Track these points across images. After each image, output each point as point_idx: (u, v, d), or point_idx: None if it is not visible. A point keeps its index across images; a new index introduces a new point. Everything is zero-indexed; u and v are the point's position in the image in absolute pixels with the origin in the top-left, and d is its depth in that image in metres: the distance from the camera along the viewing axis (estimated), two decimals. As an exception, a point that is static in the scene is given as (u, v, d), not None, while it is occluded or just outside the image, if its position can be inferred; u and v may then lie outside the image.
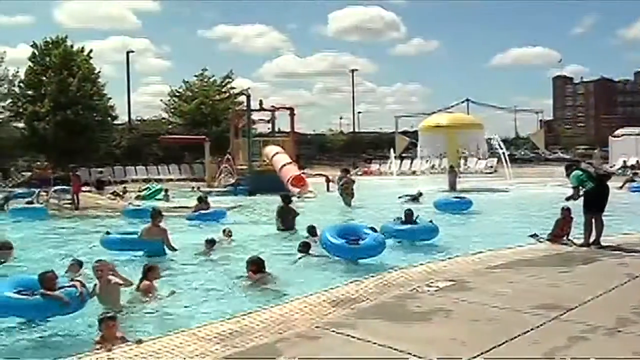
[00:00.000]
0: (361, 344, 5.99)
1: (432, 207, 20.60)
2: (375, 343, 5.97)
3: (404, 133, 54.25)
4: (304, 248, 12.56)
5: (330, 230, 12.62)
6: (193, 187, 34.07)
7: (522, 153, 76.62)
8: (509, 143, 72.75)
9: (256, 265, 10.59)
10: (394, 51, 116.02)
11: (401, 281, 8.82)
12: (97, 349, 6.41)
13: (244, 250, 13.60)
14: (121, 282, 9.27)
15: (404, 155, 52.74)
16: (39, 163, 30.14)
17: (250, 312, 7.26)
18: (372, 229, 12.79)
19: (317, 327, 6.59)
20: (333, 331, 6.41)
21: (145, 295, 9.44)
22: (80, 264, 10.82)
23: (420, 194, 24.37)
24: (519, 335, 6.10)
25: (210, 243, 13.86)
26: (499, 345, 5.84)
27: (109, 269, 9.27)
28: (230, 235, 15.08)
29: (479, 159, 50.41)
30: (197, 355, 5.81)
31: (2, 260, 12.14)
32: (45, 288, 8.35)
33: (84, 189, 28.21)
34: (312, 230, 14.30)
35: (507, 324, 6.56)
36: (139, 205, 23.11)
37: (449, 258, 10.83)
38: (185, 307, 9.22)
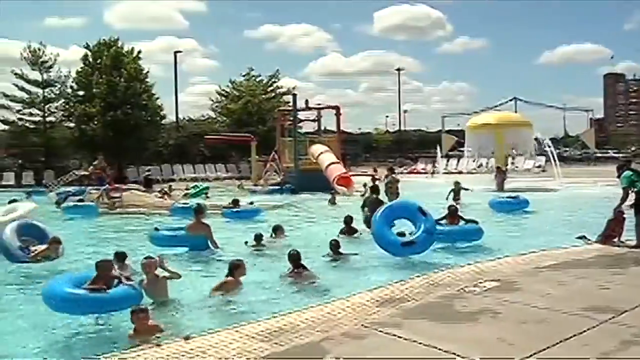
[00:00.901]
0: (406, 344, 5.95)
1: (477, 206, 20.32)
2: (420, 343, 5.92)
3: (451, 132, 53.75)
4: (335, 247, 12.25)
5: (384, 218, 12.50)
6: (239, 185, 34.28)
7: (572, 152, 75.22)
8: (558, 142, 71.52)
9: (293, 261, 10.73)
10: (440, 50, 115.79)
11: (447, 281, 8.74)
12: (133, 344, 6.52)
13: (291, 247, 13.60)
14: (168, 275, 9.38)
15: (450, 154, 52.25)
16: (96, 162, 30.62)
17: (295, 310, 7.27)
18: (421, 210, 12.58)
19: (362, 326, 6.57)
20: (379, 330, 6.38)
21: (229, 291, 9.54)
22: (123, 257, 10.92)
23: (458, 183, 23.91)
24: (569, 338, 5.98)
25: (259, 239, 14.01)
26: (549, 347, 5.73)
27: (156, 265, 9.39)
28: (283, 232, 15.08)
29: (527, 158, 49.59)
30: (242, 353, 5.84)
31: (53, 256, 12.39)
32: (100, 275, 8.72)
33: (132, 186, 28.73)
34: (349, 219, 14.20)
35: (556, 325, 6.43)
36: (186, 203, 23.34)
37: (497, 258, 10.67)
38: (229, 301, 9.28)
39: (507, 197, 21.79)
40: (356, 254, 12.29)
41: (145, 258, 9.69)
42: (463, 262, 10.36)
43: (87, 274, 9.18)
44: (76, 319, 8.40)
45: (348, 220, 15.63)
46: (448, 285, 8.50)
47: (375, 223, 12.54)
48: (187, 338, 6.26)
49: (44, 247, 12.47)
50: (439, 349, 5.73)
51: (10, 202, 26.66)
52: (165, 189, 30.31)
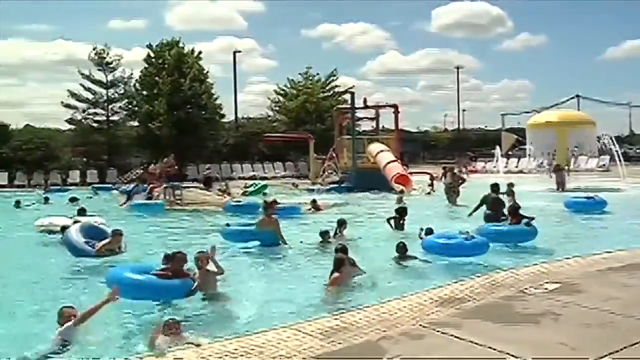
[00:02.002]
0: (465, 345, 5.89)
1: (542, 207, 19.89)
2: (479, 344, 5.85)
3: (511, 130, 52.93)
4: (402, 250, 11.99)
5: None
6: (293, 184, 34.36)
7: (638, 151, 72.99)
8: (623, 141, 69.46)
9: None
10: (500, 47, 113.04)
11: (509, 282, 8.60)
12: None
13: (354, 244, 13.61)
14: (217, 270, 9.64)
15: (510, 153, 51.41)
16: (165, 160, 31.19)
17: (354, 309, 7.27)
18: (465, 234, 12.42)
19: (420, 326, 6.53)
20: (437, 331, 6.33)
21: (341, 285, 9.66)
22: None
23: (512, 185, 23.38)
24: (635, 344, 5.81)
25: (325, 234, 14.12)
26: (613, 352, 5.59)
27: (208, 259, 9.67)
28: (345, 227, 15.04)
29: (590, 157, 48.42)
30: (301, 351, 5.86)
31: (117, 251, 12.70)
32: (173, 267, 9.22)
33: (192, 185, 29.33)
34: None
35: (621, 330, 6.27)
36: (239, 201, 23.56)
37: (560, 259, 10.45)
38: (289, 298, 9.35)
39: (585, 197, 20.96)
40: (428, 262, 11.90)
41: (199, 252, 9.95)
42: (525, 263, 10.19)
43: (149, 264, 9.77)
44: (129, 315, 8.59)
45: (401, 211, 16.09)
46: (509, 286, 8.36)
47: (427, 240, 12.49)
48: (198, 345, 6.26)
49: (107, 240, 12.86)
50: (499, 351, 5.65)
51: (70, 199, 27.62)
52: (224, 187, 30.68)
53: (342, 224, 15.04)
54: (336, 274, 9.78)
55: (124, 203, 25.08)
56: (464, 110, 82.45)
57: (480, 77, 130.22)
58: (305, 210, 21.47)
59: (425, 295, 7.85)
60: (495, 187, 16.93)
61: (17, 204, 26.53)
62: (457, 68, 73.94)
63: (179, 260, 9.48)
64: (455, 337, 6.11)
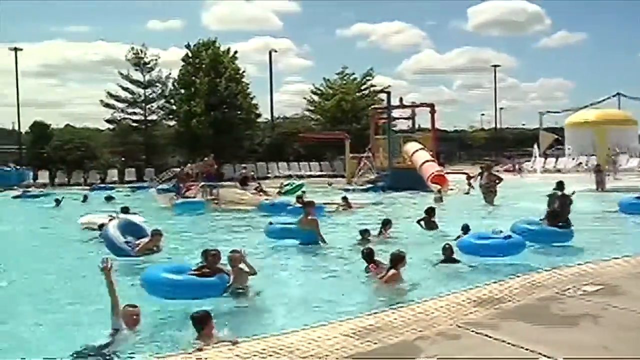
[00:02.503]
0: (502, 346, 5.83)
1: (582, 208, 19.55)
2: (516, 346, 5.79)
3: (549, 129, 52.22)
4: (448, 251, 11.65)
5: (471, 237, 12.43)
6: (328, 183, 34.35)
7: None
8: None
9: (367, 257, 10.89)
10: (537, 45, 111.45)
11: (548, 283, 8.48)
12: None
13: (395, 243, 13.58)
14: (248, 270, 9.82)
15: (548, 152, 50.72)
16: (206, 159, 31.49)
17: (391, 308, 7.24)
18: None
19: (458, 326, 6.48)
20: (474, 331, 6.28)
21: (396, 282, 9.70)
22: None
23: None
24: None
25: (365, 233, 14.15)
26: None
27: (240, 259, 9.83)
28: (390, 227, 14.99)
29: (631, 157, 47.54)
30: (334, 350, 5.86)
31: (155, 250, 12.84)
32: (209, 265, 9.45)
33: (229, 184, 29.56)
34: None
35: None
36: (272, 201, 23.61)
37: (601, 261, 10.26)
38: (326, 296, 9.38)
39: (636, 198, 20.28)
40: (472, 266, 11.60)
41: (232, 252, 10.07)
42: (565, 264, 10.03)
43: (180, 264, 10.01)
44: (164, 311, 8.68)
45: (429, 211, 16.19)
46: (548, 287, 8.25)
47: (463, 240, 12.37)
48: (234, 343, 6.29)
49: (147, 239, 13.00)
50: (537, 353, 5.59)
51: (106, 198, 28.06)
52: (260, 186, 30.80)
53: (386, 223, 15.02)
54: (393, 271, 9.79)
55: (173, 200, 25.13)
56: (501, 109, 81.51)
57: (517, 76, 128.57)
58: (337, 209, 21.45)
59: (462, 296, 7.80)
60: (560, 185, 16.64)
61: (58, 202, 27.06)
62: (494, 67, 73.01)
63: (214, 258, 9.64)
64: (492, 338, 6.05)
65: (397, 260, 9.89)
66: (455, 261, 11.48)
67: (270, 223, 15.40)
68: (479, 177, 24.27)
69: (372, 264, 10.75)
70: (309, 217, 14.46)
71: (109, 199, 27.88)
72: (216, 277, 9.34)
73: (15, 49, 50.40)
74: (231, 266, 9.78)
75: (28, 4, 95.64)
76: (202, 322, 7.11)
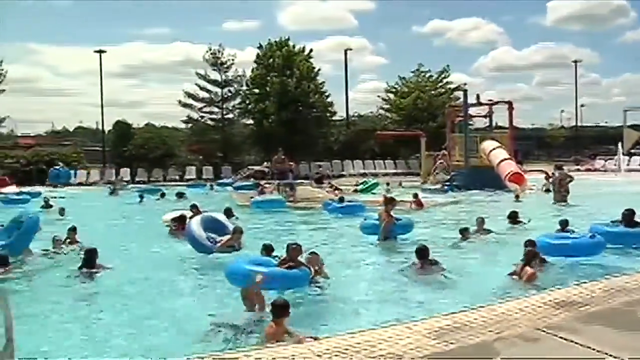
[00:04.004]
0: (582, 351, 5.71)
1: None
2: (598, 351, 5.65)
3: (634, 127, 50.44)
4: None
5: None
6: (399, 183, 34.06)
7: None
8: None
9: (420, 254, 11.05)
10: (621, 39, 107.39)
11: (631, 286, 8.22)
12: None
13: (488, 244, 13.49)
14: (322, 274, 10.18)
15: (633, 151, 49.00)
16: (277, 157, 31.94)
17: (469, 309, 7.18)
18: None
19: (537, 329, 6.37)
20: (553, 334, 6.16)
21: (531, 281, 9.69)
22: (271, 249, 11.51)
23: None
24: None
25: (465, 231, 14.32)
26: None
27: (317, 261, 10.20)
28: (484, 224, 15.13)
29: None
30: (411, 350, 5.85)
31: (236, 247, 13.09)
32: (292, 259, 9.76)
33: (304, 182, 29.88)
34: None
35: None
36: (333, 200, 23.66)
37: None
38: (406, 295, 9.40)
39: None
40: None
41: (310, 253, 10.40)
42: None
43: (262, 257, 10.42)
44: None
45: (513, 215, 16.50)
46: (631, 290, 8.00)
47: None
48: (315, 338, 6.33)
49: (228, 237, 13.26)
50: (614, 357, 5.44)
51: (177, 194, 28.75)
52: (334, 184, 30.94)
53: (481, 222, 15.13)
54: (531, 270, 9.76)
55: (250, 198, 25.47)
56: (581, 106, 79.07)
57: (599, 71, 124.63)
58: (410, 207, 21.35)
59: (544, 298, 7.64)
60: None
61: (141, 198, 27.98)
62: (575, 62, 70.96)
63: (295, 252, 9.92)
64: (572, 341, 5.93)
65: (531, 257, 9.83)
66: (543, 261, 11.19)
67: (365, 219, 15.58)
68: (550, 177, 23.84)
69: (422, 261, 10.91)
70: (388, 214, 14.67)
71: (180, 195, 28.60)
72: (299, 270, 9.61)
73: (100, 51, 52.12)
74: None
75: (110, 9, 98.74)
76: (282, 310, 7.28)
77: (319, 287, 9.91)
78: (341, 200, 22.41)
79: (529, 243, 11.05)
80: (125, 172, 46.06)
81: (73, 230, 14.93)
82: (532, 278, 9.65)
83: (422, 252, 11.12)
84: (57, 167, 41.63)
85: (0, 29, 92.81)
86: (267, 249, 11.36)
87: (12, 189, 33.81)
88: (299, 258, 10.05)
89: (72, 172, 42.99)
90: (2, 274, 11.27)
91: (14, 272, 11.66)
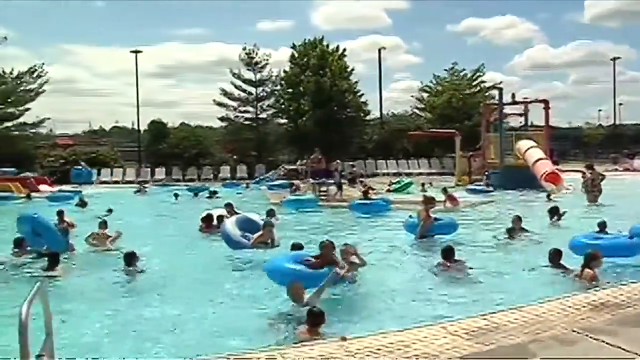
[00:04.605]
0: (619, 353, 5.61)
1: None
2: (635, 353, 5.55)
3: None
4: (555, 257, 11.07)
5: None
6: (430, 183, 33.91)
7: None
8: None
9: (446, 254, 11.21)
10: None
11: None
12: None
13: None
14: (359, 262, 10.32)
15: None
16: (313, 156, 32.05)
17: (504, 310, 7.12)
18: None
19: (573, 330, 6.29)
20: (590, 337, 6.07)
21: (593, 281, 9.62)
22: (300, 247, 11.73)
23: None
24: None
25: (512, 231, 14.30)
26: None
27: (352, 252, 10.33)
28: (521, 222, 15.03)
29: None
30: (446, 350, 5.82)
31: (270, 245, 13.29)
32: (323, 256, 9.96)
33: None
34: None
35: None
36: (363, 200, 23.63)
37: None
38: (443, 293, 9.39)
39: None
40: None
41: (344, 245, 10.63)
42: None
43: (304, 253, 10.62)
44: (283, 304, 8.90)
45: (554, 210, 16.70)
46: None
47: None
48: (344, 339, 6.31)
49: (260, 232, 13.50)
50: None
51: (210, 193, 28.99)
52: (368, 184, 30.86)
53: (518, 220, 15.08)
54: (591, 272, 9.72)
55: (283, 196, 25.57)
56: (620, 105, 77.77)
57: (638, 69, 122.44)
58: (444, 204, 21.26)
59: (581, 299, 7.53)
60: None
61: (176, 196, 28.34)
62: (614, 59, 69.86)
63: (328, 249, 10.09)
64: (610, 344, 5.83)
65: (591, 258, 9.77)
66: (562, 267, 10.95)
67: (410, 217, 15.72)
68: (585, 176, 23.54)
69: (448, 260, 11.04)
70: (427, 212, 14.89)
71: (212, 193, 28.87)
72: (327, 269, 9.64)
73: (135, 52, 52.80)
74: (342, 258, 10.16)
75: (145, 9, 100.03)
76: (319, 319, 7.34)
77: (355, 281, 10.09)
78: (366, 198, 22.50)
79: (554, 252, 10.98)
80: (160, 171, 46.66)
81: (104, 224, 15.29)
82: (593, 279, 9.59)
83: (446, 252, 11.28)
84: (79, 167, 42.19)
85: (41, 31, 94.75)
86: (296, 248, 11.58)
87: (51, 187, 34.57)
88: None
89: (93, 172, 43.50)
90: (57, 272, 11.48)
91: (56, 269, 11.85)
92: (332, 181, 28.83)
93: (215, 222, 16.75)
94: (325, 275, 9.35)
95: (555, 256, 11.00)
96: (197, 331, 8.01)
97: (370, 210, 20.80)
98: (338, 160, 35.11)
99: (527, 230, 14.81)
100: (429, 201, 15.68)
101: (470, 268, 11.08)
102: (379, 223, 18.74)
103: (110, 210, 21.67)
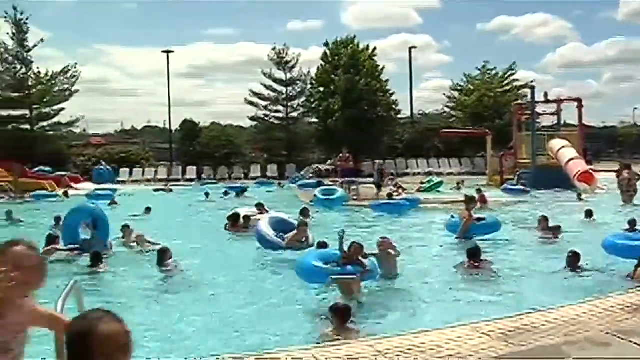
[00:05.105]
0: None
1: None
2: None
3: None
4: (573, 260, 10.97)
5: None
6: (458, 183, 33.71)
7: None
8: None
9: (471, 254, 11.23)
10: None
11: None
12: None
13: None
14: (395, 253, 10.68)
15: None
16: (341, 155, 32.09)
17: (537, 311, 7.05)
18: None
19: (607, 332, 6.21)
20: (625, 340, 5.99)
21: None
22: (325, 246, 11.97)
23: None
24: None
25: (558, 230, 14.31)
26: None
27: (389, 244, 10.74)
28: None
29: None
30: (479, 351, 5.78)
31: (305, 244, 13.29)
32: (349, 255, 10.17)
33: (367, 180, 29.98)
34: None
35: None
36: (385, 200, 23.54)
37: None
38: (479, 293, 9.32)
39: None
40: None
41: (381, 238, 11.07)
42: None
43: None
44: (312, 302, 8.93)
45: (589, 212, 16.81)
46: None
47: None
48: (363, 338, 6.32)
49: (294, 232, 13.57)
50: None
51: (238, 191, 29.16)
52: (398, 183, 30.79)
53: (544, 220, 15.12)
54: None
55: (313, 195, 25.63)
56: (657, 103, 76.43)
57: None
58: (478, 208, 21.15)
59: (613, 301, 7.44)
60: None
61: (207, 195, 28.55)
62: (649, 58, 68.78)
63: (356, 250, 10.29)
64: (645, 346, 5.75)
65: None
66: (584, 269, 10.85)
67: (452, 217, 15.61)
68: (619, 176, 23.24)
69: (473, 261, 11.06)
70: (468, 213, 14.83)
71: (241, 192, 29.01)
72: (349, 268, 9.86)
73: (167, 52, 53.30)
74: (379, 251, 10.63)
75: (175, 10, 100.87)
76: (346, 315, 7.36)
77: (390, 277, 10.39)
78: (389, 198, 22.49)
79: (572, 254, 10.94)
80: (192, 170, 47.03)
81: (127, 227, 15.18)
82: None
83: (472, 252, 11.28)
84: (100, 166, 42.68)
85: (75, 32, 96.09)
86: (321, 246, 11.92)
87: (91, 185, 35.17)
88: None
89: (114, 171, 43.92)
90: (101, 269, 11.67)
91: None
92: (362, 180, 28.81)
93: (241, 221, 16.92)
94: (352, 274, 9.53)
95: (573, 259, 10.89)
96: (226, 329, 8.06)
97: (389, 210, 20.82)
98: (380, 161, 35.13)
99: (555, 229, 14.68)
100: (470, 201, 15.61)
101: (495, 270, 11.08)
102: (410, 222, 18.71)
103: (148, 209, 21.94)
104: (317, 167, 40.32)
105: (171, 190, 34.37)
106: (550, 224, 15.00)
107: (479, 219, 15.24)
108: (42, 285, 3.36)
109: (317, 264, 10.18)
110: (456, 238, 14.70)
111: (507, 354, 5.68)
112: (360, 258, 10.20)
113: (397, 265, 10.74)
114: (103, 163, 43.65)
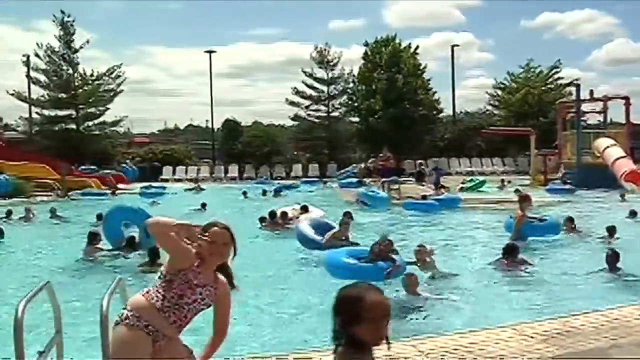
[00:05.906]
0: None
1: None
2: None
3: None
4: (612, 260, 10.42)
5: None
6: (502, 181, 33.27)
7: None
8: None
9: (507, 252, 11.06)
10: None
11: None
12: None
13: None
14: (430, 261, 10.62)
15: None
16: (381, 155, 32.09)
17: (581, 313, 6.93)
18: None
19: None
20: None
21: None
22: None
23: None
24: None
25: (612, 230, 13.89)
26: None
27: (427, 252, 10.69)
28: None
29: None
30: (522, 353, 5.71)
31: (344, 240, 13.24)
32: (378, 252, 10.13)
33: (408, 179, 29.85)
34: None
35: None
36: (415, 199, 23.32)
37: None
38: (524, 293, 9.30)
39: None
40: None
41: (418, 246, 11.00)
42: None
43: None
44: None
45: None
46: None
47: None
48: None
49: (334, 230, 13.60)
50: None
51: (275, 190, 29.26)
52: (440, 182, 30.58)
53: (569, 221, 14.92)
54: None
55: (355, 195, 25.60)
56: None
57: None
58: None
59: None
60: None
61: (245, 194, 28.72)
62: (701, 53, 67.12)
63: (385, 246, 10.26)
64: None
65: None
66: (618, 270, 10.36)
67: (510, 217, 15.05)
68: None
69: (508, 259, 10.89)
70: (521, 212, 14.14)
71: (278, 191, 29.12)
72: (376, 264, 9.92)
73: (210, 52, 53.82)
74: (417, 258, 10.60)
75: (218, 10, 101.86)
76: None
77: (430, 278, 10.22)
78: (423, 197, 22.41)
79: (612, 252, 10.52)
80: (233, 169, 47.41)
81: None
82: None
83: (509, 250, 11.06)
84: (124, 166, 43.22)
85: (119, 33, 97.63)
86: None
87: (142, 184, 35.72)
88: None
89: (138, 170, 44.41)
90: (156, 267, 11.80)
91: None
92: (403, 179, 28.68)
93: (279, 220, 17.08)
94: (383, 270, 9.65)
95: (612, 258, 10.38)
96: (263, 328, 8.07)
97: (422, 209, 20.96)
98: (437, 159, 34.98)
99: (580, 231, 14.59)
100: (523, 200, 14.74)
101: (532, 269, 10.91)
102: (455, 222, 18.56)
103: (204, 205, 22.32)
104: (367, 165, 40.07)
105: (202, 189, 34.28)
106: (607, 225, 14.37)
107: (540, 219, 14.65)
108: (227, 258, 4.20)
109: (346, 259, 10.20)
110: (510, 239, 14.12)
111: (548, 357, 5.59)
112: (390, 254, 10.18)
113: (436, 267, 10.57)
114: (128, 162, 44.25)
